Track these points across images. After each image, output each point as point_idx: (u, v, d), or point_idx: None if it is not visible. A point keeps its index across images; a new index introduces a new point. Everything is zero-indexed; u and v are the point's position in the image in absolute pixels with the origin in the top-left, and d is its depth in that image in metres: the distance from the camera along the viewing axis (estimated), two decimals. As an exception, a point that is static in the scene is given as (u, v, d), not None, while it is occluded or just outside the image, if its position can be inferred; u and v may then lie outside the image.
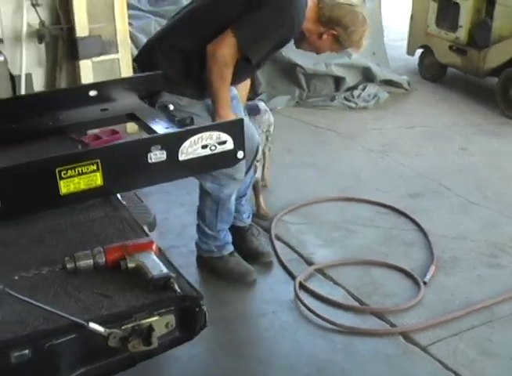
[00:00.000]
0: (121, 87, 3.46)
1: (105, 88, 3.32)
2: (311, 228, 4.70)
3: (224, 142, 2.78)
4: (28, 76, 5.77)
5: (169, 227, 4.67)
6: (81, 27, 5.71)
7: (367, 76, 7.40)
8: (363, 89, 7.25)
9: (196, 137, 2.70)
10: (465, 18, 7.32)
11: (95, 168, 2.48)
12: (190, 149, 2.71)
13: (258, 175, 4.72)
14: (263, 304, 4.00)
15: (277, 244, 4.48)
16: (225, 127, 2.78)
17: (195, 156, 2.73)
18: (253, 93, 6.65)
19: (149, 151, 2.58)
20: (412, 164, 5.69)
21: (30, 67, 5.79)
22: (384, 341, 3.62)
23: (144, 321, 1.87)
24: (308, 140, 6.14)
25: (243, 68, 3.58)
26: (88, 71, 5.87)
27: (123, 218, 2.56)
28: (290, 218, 4.83)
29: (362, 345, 3.59)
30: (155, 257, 2.09)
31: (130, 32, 6.46)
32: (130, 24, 6.86)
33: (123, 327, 1.84)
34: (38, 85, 5.90)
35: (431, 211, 4.93)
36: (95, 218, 2.52)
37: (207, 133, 2.73)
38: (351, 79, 7.28)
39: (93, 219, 2.51)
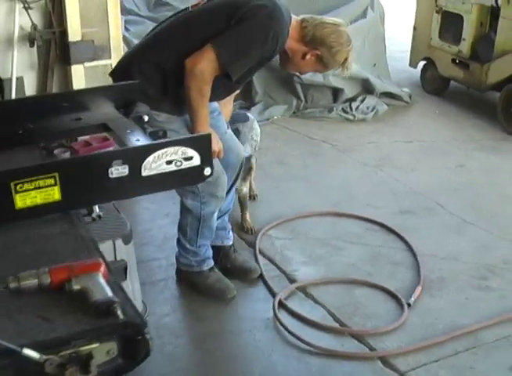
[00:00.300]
0: (96, 96, 3.35)
1: (79, 97, 3.23)
2: (296, 243, 4.58)
3: (190, 158, 2.66)
4: (20, 79, 5.69)
5: (151, 238, 4.57)
6: (74, 32, 5.62)
7: (366, 88, 7.29)
8: (362, 101, 7.13)
9: (160, 152, 2.58)
10: (468, 31, 7.21)
11: (52, 182, 2.37)
12: (154, 164, 2.59)
13: (246, 186, 4.61)
14: (240, 322, 3.88)
15: (261, 259, 4.36)
16: (192, 142, 2.66)
17: (159, 172, 2.61)
18: (249, 102, 6.60)
19: (111, 166, 2.47)
20: (406, 180, 5.56)
21: (22, 71, 5.71)
22: (362, 366, 3.49)
23: (83, 348, 1.75)
24: (301, 152, 6.02)
25: (222, 85, 3.45)
26: (80, 76, 5.77)
27: (78, 236, 2.44)
28: (276, 232, 4.71)
29: (338, 369, 3.46)
30: (102, 279, 1.97)
31: (126, 38, 6.38)
32: (127, 29, 6.79)
33: (60, 354, 1.72)
34: (30, 89, 5.81)
35: (423, 230, 4.79)
36: (50, 234, 2.40)
37: (172, 148, 2.61)
38: (349, 90, 7.16)
39: (47, 236, 2.38)
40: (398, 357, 3.52)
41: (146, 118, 3.22)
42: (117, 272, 3.49)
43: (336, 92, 7.13)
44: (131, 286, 3.61)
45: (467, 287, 4.15)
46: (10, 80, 5.54)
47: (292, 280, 4.16)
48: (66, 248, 2.28)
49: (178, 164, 2.63)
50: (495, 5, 6.96)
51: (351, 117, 6.91)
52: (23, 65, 5.68)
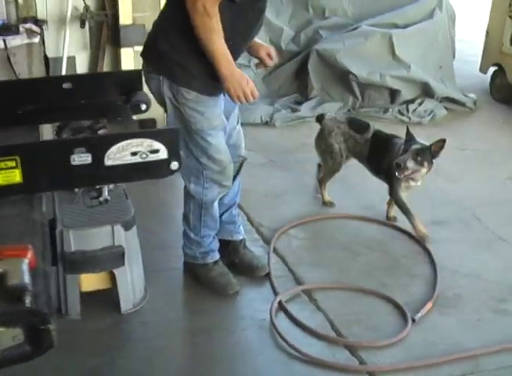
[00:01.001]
0: (100, 82, 3.36)
1: (81, 81, 3.24)
2: (313, 245, 4.47)
3: (156, 151, 2.61)
4: (71, 59, 5.77)
5: (173, 225, 4.50)
6: (125, 15, 5.65)
7: (426, 91, 7.06)
8: (420, 104, 6.92)
9: (124, 143, 2.54)
10: (540, 39, 6.86)
11: (14, 164, 2.39)
12: (118, 155, 2.55)
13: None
14: (237, 320, 3.81)
15: (272, 257, 4.25)
16: (158, 135, 2.60)
17: (123, 162, 2.57)
18: (304, 96, 6.49)
19: (72, 153, 2.45)
20: (448, 189, 5.35)
21: (74, 50, 5.79)
22: (347, 378, 3.35)
23: (-12, 331, 1.72)
24: (346, 152, 5.84)
25: (232, 17, 3.24)
26: (129, 59, 5.79)
27: (30, 220, 2.43)
28: (297, 232, 4.60)
29: (321, 378, 3.33)
30: (25, 265, 1.94)
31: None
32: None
33: (-34, 333, 1.69)
34: (81, 69, 5.91)
35: (451, 243, 4.59)
36: (5, 215, 2.41)
37: (138, 140, 2.56)
38: (407, 92, 6.97)
39: (2, 217, 2.39)
40: (388, 374, 3.37)
41: (143, 107, 3.19)
42: (113, 258, 3.50)
43: (393, 93, 6.95)
44: (131, 272, 3.60)
45: (483, 308, 3.94)
46: (61, 59, 5.58)
47: (299, 282, 4.05)
48: (13, 230, 2.26)
49: (144, 156, 2.58)
50: None
51: (406, 120, 6.70)
52: (75, 45, 5.76)
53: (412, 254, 4.42)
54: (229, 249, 4.12)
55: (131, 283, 3.70)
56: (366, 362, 3.44)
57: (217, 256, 3.95)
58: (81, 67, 5.88)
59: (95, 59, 5.86)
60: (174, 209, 4.67)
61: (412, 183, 4.51)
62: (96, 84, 3.28)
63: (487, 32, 7.79)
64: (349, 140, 4.77)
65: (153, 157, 2.57)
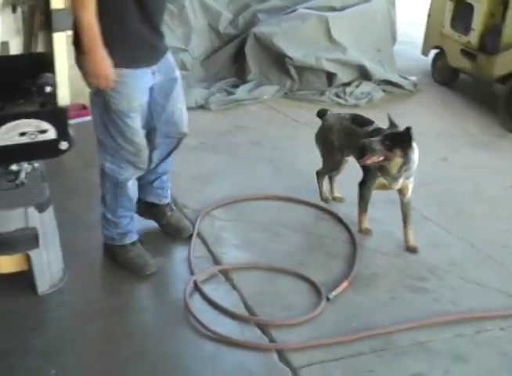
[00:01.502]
0: (6, 64, 3.35)
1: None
2: (236, 226, 4.47)
3: (44, 132, 2.63)
4: (4, 44, 5.70)
5: (97, 207, 4.48)
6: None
7: (363, 74, 7.08)
8: (357, 86, 6.94)
9: (13, 124, 2.55)
10: (478, 21, 6.94)
11: None
12: (7, 135, 2.56)
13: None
14: (152, 299, 3.87)
15: (194, 238, 4.26)
16: (46, 115, 2.62)
17: (12, 143, 2.58)
18: (242, 79, 6.50)
19: (-42, 134, 2.44)
20: (378, 170, 5.36)
21: (8, 36, 5.72)
22: (255, 356, 3.36)
23: None
24: (279, 134, 5.88)
25: None
26: (62, 44, 5.77)
27: None
28: (220, 213, 4.60)
29: (229, 357, 3.35)
30: None
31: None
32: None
33: None
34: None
35: (377, 223, 4.61)
36: None
37: (26, 121, 2.57)
38: (344, 76, 6.98)
39: None
40: (297, 352, 3.39)
41: (47, 89, 3.18)
42: (27, 240, 3.50)
43: (331, 76, 6.95)
44: (47, 254, 3.60)
45: (399, 287, 3.98)
46: (-5, 44, 5.54)
47: (218, 263, 4.06)
48: None
49: (32, 136, 2.60)
50: (506, -6, 6.64)
51: (343, 102, 6.72)
52: (8, 30, 5.69)
53: (335, 234, 4.44)
54: (156, 212, 4.22)
55: (47, 264, 3.69)
56: (276, 340, 3.46)
57: (134, 237, 3.97)
58: (16, 52, 5.81)
59: (28, 45, 5.81)
60: (98, 191, 4.66)
61: (386, 181, 4.31)
62: (3, 66, 3.27)
63: (428, 15, 7.83)
64: (351, 136, 4.53)
65: (41, 138, 2.57)
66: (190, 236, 4.22)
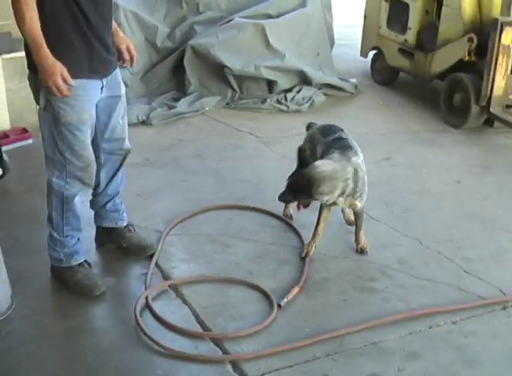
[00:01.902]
0: None
1: None
2: (183, 240, 4.44)
3: (-24, 159, 2.58)
4: None
5: (40, 230, 4.42)
6: (-11, 24, 5.53)
7: (303, 79, 7.11)
8: (298, 92, 6.97)
9: None
10: (414, 20, 7.05)
11: None
12: None
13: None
14: (103, 320, 3.80)
15: (157, 255, 4.25)
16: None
17: None
18: (182, 92, 6.48)
19: None
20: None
21: None
22: (210, 369, 3.34)
23: None
24: (222, 145, 5.87)
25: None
26: (-3, 68, 5.69)
27: None
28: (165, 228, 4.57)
29: (183, 373, 3.32)
30: None
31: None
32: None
33: None
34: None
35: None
36: None
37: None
38: (284, 82, 7.01)
39: None
40: (251, 361, 3.37)
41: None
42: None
43: (271, 83, 6.97)
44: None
45: (349, 289, 3.99)
46: None
47: (167, 278, 4.03)
48: None
49: (-37, 164, 2.54)
50: (440, -7, 6.74)
51: (284, 108, 6.74)
52: None
53: (283, 240, 4.44)
54: (114, 236, 4.19)
55: (-6, 292, 3.63)
56: (230, 351, 3.44)
57: (81, 258, 3.93)
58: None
59: (-39, 71, 5.74)
60: (41, 215, 4.62)
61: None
62: None
63: (365, 16, 7.92)
64: (317, 145, 4.47)
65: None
66: (152, 255, 4.18)
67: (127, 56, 3.85)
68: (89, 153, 3.64)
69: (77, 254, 3.91)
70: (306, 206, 4.11)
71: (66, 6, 3.33)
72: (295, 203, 4.18)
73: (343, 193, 4.02)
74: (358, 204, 4.17)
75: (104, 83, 3.61)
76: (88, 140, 3.62)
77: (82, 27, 3.40)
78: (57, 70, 3.32)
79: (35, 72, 3.40)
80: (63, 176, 3.64)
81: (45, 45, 3.28)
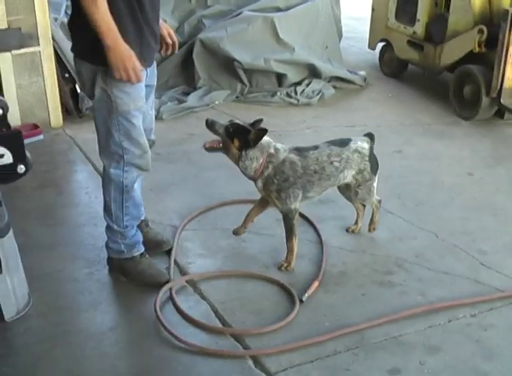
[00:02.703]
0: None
1: None
2: (199, 235, 4.44)
3: (1, 156, 2.57)
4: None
5: (56, 227, 4.57)
6: (-1, 19, 5.52)
7: (313, 72, 7.09)
8: (308, 85, 6.95)
9: (-34, 149, 2.48)
10: (422, 11, 7.01)
11: None
12: (-39, 162, 2.50)
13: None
14: (120, 316, 3.84)
15: (175, 251, 4.25)
16: (1, 140, 2.56)
17: (-33, 170, 2.51)
18: (192, 87, 6.46)
19: None
20: (335, 167, 5.36)
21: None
22: (231, 364, 3.34)
23: None
24: (233, 138, 5.84)
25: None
26: (7, 64, 5.70)
27: None
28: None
29: (204, 367, 3.32)
30: None
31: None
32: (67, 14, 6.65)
33: None
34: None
35: (337, 220, 4.62)
36: None
37: (-21, 147, 2.51)
38: (294, 75, 6.98)
39: None
40: (272, 357, 3.37)
41: (-1, 112, 3.11)
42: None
43: (281, 77, 6.95)
44: (11, 279, 3.52)
45: (367, 283, 3.99)
46: None
47: (184, 274, 4.02)
48: None
49: (-12, 162, 2.53)
50: (449, -17, 6.71)
51: (294, 102, 6.73)
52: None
53: (299, 234, 4.41)
54: None
55: (12, 290, 3.61)
56: (251, 346, 3.44)
57: (142, 248, 3.94)
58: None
59: (-27, 68, 5.73)
60: (55, 210, 4.63)
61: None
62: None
63: (372, 8, 7.89)
64: None
65: (-2, 162, 2.51)
66: (170, 250, 4.19)
67: (169, 41, 3.85)
68: (145, 139, 3.67)
69: (138, 244, 3.92)
70: (213, 148, 4.02)
71: None
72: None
73: (261, 171, 3.97)
74: (276, 202, 4.05)
75: (148, 72, 3.61)
76: (142, 127, 3.63)
77: (136, 14, 3.39)
78: (132, 54, 3.32)
79: (94, 63, 3.40)
80: (121, 166, 3.64)
81: (117, 32, 3.27)
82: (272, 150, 3.94)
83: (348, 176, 4.16)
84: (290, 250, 4.10)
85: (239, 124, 3.94)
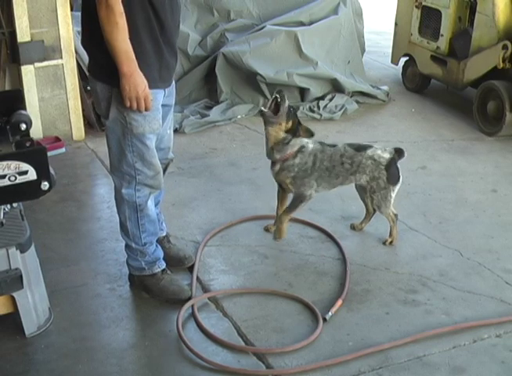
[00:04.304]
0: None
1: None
2: (221, 251, 4.40)
3: (25, 173, 2.55)
4: (-27, 79, 5.64)
5: (78, 241, 4.55)
6: (23, 32, 5.56)
7: (336, 87, 7.06)
8: (331, 100, 6.90)
9: (-8, 166, 2.47)
10: (446, 27, 6.96)
11: None
12: (-14, 178, 2.48)
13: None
14: (142, 333, 3.75)
15: (197, 268, 4.21)
16: (25, 156, 2.54)
17: (-9, 186, 2.50)
18: (214, 101, 6.44)
19: None
20: (358, 183, 5.33)
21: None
22: (252, 385, 3.31)
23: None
24: (255, 153, 5.81)
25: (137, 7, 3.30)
26: (30, 76, 5.72)
27: None
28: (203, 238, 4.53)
29: (227, 387, 3.29)
30: None
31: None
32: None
33: None
34: (-16, 88, 5.76)
35: (361, 237, 4.59)
36: None
37: (4, 163, 2.50)
38: (317, 90, 6.95)
39: None
40: (295, 376, 3.33)
41: (23, 127, 3.11)
42: (10, 282, 3.41)
43: (303, 91, 6.93)
44: (32, 294, 3.51)
45: (392, 301, 3.94)
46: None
47: (206, 290, 3.99)
48: None
49: (13, 178, 2.52)
50: (473, -1, 6.68)
51: (317, 117, 6.69)
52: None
53: (321, 251, 4.39)
54: None
55: (33, 305, 3.60)
56: (273, 366, 3.40)
57: (163, 264, 3.93)
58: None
59: (-2, 80, 5.75)
60: (76, 224, 4.62)
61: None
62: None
63: (395, 23, 7.85)
64: None
65: (22, 179, 2.50)
66: (192, 266, 4.16)
67: None
68: (157, 161, 3.63)
69: (159, 260, 3.90)
70: (269, 115, 4.13)
71: (143, 13, 3.27)
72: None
73: (287, 158, 4.22)
74: (290, 187, 4.29)
75: (166, 92, 3.58)
76: (155, 148, 3.61)
77: (156, 34, 3.36)
78: (146, 83, 3.30)
79: (110, 84, 3.37)
80: (133, 186, 3.61)
81: (135, 61, 3.26)
82: (304, 143, 4.20)
83: (362, 180, 4.35)
84: (280, 220, 4.37)
85: (293, 106, 4.18)
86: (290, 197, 4.42)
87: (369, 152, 4.31)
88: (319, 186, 4.29)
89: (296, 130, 4.14)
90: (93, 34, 3.31)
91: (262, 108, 4.13)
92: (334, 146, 4.32)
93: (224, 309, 3.82)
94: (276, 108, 4.08)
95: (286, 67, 6.70)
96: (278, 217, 4.39)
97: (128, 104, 3.33)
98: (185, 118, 6.38)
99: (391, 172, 4.30)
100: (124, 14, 3.16)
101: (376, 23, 10.21)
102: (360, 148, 4.34)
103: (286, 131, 4.14)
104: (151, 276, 3.87)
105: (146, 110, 3.38)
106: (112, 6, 3.12)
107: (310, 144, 4.23)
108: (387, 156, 4.30)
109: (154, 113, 3.47)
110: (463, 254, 4.43)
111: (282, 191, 4.42)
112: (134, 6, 3.23)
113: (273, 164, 4.27)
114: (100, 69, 3.41)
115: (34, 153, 2.48)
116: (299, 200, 4.28)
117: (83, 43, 3.54)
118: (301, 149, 4.19)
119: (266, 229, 4.51)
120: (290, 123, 4.13)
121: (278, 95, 4.09)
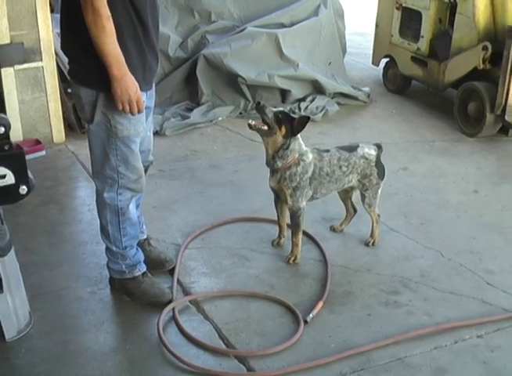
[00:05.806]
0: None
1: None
2: (202, 253, 4.39)
3: (3, 177, 2.54)
4: (-47, 83, 5.60)
5: (60, 244, 4.52)
6: (2, 34, 5.51)
7: (317, 88, 7.06)
8: (312, 101, 6.90)
9: (-32, 170, 2.44)
10: (426, 28, 6.99)
11: None
12: (-37, 183, 2.46)
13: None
14: (123, 337, 3.73)
15: (178, 270, 4.20)
16: (3, 160, 2.53)
17: (-32, 190, 2.47)
18: (195, 103, 6.43)
19: None
20: (339, 185, 5.32)
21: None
22: (233, 388, 3.30)
23: None
24: (237, 155, 5.82)
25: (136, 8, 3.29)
26: (10, 79, 5.67)
27: None
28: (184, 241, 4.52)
29: (209, 391, 3.28)
30: None
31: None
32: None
33: None
34: (-36, 92, 5.72)
35: (341, 239, 4.59)
36: None
37: (-18, 166, 2.48)
38: (298, 91, 6.94)
39: None
40: (275, 379, 3.32)
41: (1, 130, 3.07)
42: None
43: (285, 92, 6.92)
44: (12, 298, 3.48)
45: (373, 303, 3.94)
46: None
47: (187, 293, 3.98)
48: None
49: (-10, 182, 2.50)
50: (453, 0, 6.69)
51: (298, 118, 6.66)
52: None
53: (303, 253, 4.37)
54: None
55: (13, 309, 3.57)
56: (255, 368, 3.40)
57: (144, 267, 3.90)
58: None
59: (-24, 83, 5.71)
60: (59, 227, 4.59)
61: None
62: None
63: (376, 24, 7.87)
64: None
65: (0, 183, 2.48)
66: (173, 269, 4.15)
67: None
68: (141, 164, 3.62)
69: (140, 263, 3.88)
70: (259, 128, 4.07)
71: (125, 15, 3.24)
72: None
73: (289, 166, 4.14)
74: (289, 199, 4.20)
75: (147, 94, 3.56)
76: (139, 151, 3.59)
77: (139, 36, 3.34)
78: (137, 85, 3.29)
79: (96, 88, 3.34)
80: (115, 189, 3.59)
81: (125, 63, 3.24)
82: (304, 149, 4.14)
83: (353, 181, 4.36)
84: (295, 244, 4.27)
85: (287, 112, 4.13)
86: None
87: (360, 151, 4.33)
88: (316, 193, 4.26)
89: (292, 130, 4.08)
90: (77, 39, 3.27)
91: (250, 122, 4.07)
92: (328, 150, 4.31)
93: (205, 312, 3.80)
94: (265, 121, 4.03)
95: (267, 69, 6.70)
96: (293, 243, 4.32)
97: (121, 107, 3.30)
98: (166, 120, 6.36)
99: (380, 168, 4.37)
100: (111, 17, 3.13)
101: (358, 25, 10.24)
102: (351, 149, 4.35)
103: (285, 137, 4.07)
104: (132, 280, 3.84)
105: (139, 112, 3.36)
106: (98, 10, 3.08)
107: (309, 152, 4.18)
108: (373, 152, 4.36)
109: (139, 116, 3.45)
110: (444, 255, 4.44)
111: (279, 201, 4.35)
112: (116, 9, 3.19)
113: (273, 172, 4.19)
114: (85, 73, 3.36)
115: (13, 157, 2.46)
116: (297, 215, 4.22)
117: (63, 48, 3.47)
118: (302, 156, 4.13)
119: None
120: (284, 127, 4.04)
121: (256, 111, 4.08)
